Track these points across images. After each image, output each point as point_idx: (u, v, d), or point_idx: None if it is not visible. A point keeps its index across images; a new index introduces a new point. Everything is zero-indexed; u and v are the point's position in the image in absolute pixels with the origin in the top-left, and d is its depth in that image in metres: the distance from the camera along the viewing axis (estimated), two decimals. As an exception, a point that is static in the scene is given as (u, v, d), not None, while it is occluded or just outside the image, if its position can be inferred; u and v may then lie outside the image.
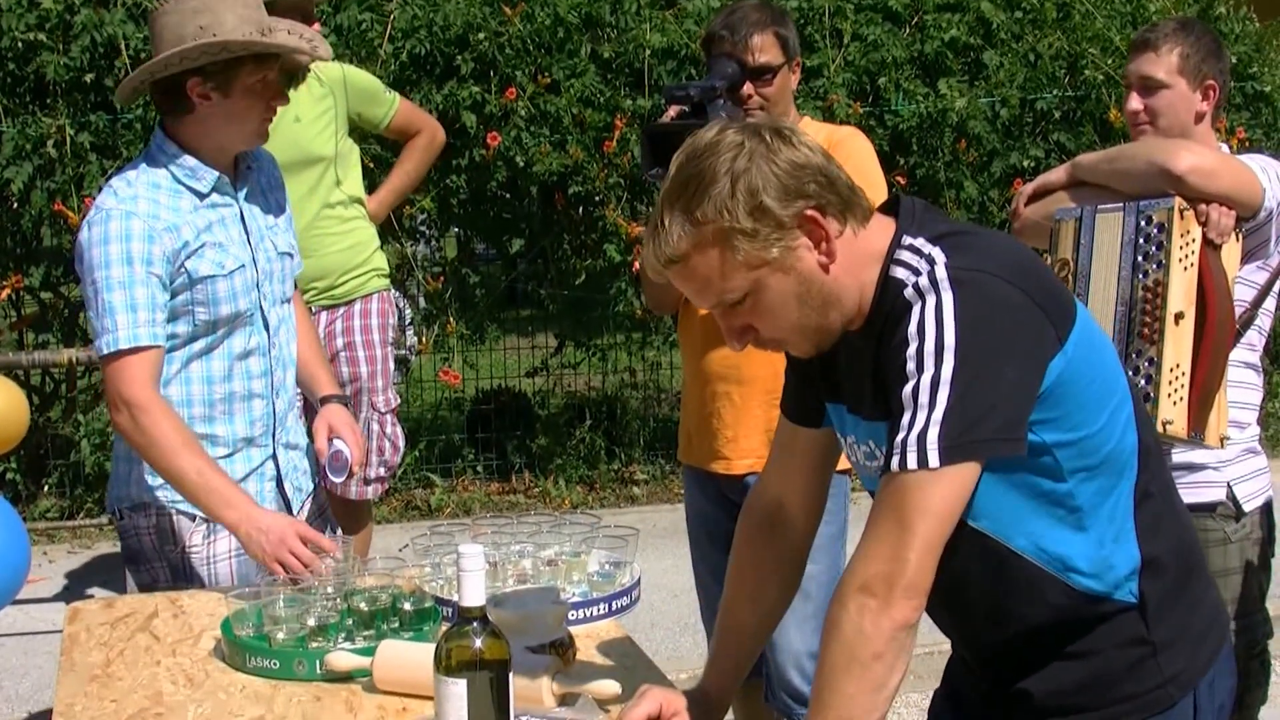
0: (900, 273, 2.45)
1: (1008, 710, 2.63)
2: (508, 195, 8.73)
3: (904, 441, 2.31)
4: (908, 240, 2.48)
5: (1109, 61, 8.74)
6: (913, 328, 2.36)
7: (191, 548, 3.82)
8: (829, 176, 2.45)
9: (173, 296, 3.67)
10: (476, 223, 8.86)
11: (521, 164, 8.14)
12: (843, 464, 4.22)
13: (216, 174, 3.74)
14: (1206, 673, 2.61)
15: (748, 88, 4.13)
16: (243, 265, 3.76)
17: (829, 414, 2.74)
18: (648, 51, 8.27)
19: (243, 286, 3.76)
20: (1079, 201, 3.91)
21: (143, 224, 3.61)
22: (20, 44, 7.62)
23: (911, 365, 2.33)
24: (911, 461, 2.30)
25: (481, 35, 8.07)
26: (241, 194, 3.83)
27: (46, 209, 7.73)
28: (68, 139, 7.65)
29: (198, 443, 3.66)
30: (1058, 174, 4.02)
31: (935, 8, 8.77)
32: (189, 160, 3.72)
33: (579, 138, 8.19)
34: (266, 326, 3.85)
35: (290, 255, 3.97)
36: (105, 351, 3.61)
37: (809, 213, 2.41)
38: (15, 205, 7.92)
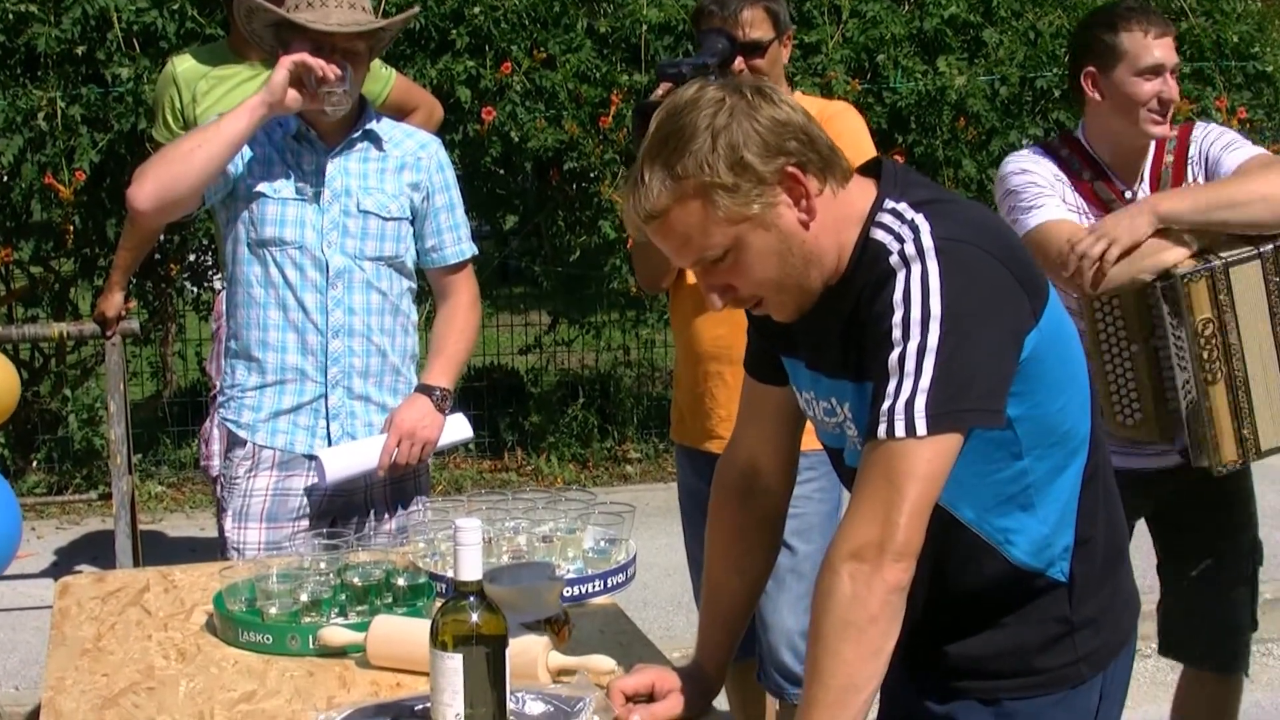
0: (881, 235, 2.46)
1: (920, 666, 2.68)
2: (502, 171, 8.70)
3: (891, 410, 2.32)
4: (889, 204, 2.49)
5: (1109, 40, 8.68)
6: (897, 295, 2.37)
7: (235, 478, 4.10)
8: (809, 135, 2.45)
9: (241, 203, 4.04)
10: (470, 199, 8.72)
11: (516, 139, 8.08)
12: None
13: (300, 123, 4.06)
14: (1118, 655, 2.68)
15: (739, 63, 4.10)
16: (300, 199, 4.03)
17: (786, 366, 2.75)
18: (644, 26, 8.22)
19: (294, 218, 4.02)
20: (1167, 250, 3.84)
21: None
22: (11, 15, 7.56)
23: (897, 333, 2.35)
24: (899, 429, 2.31)
25: (477, 9, 8.02)
26: (338, 150, 4.07)
27: (37, 182, 7.67)
28: (59, 111, 7.60)
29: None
30: (1139, 227, 3.86)
31: (934, -16, 8.73)
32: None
33: (574, 113, 8.13)
34: (326, 268, 4.02)
35: (380, 217, 4.08)
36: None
37: (789, 169, 2.42)
38: (5, 178, 7.87)
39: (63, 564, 7.54)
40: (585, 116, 8.16)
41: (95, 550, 7.64)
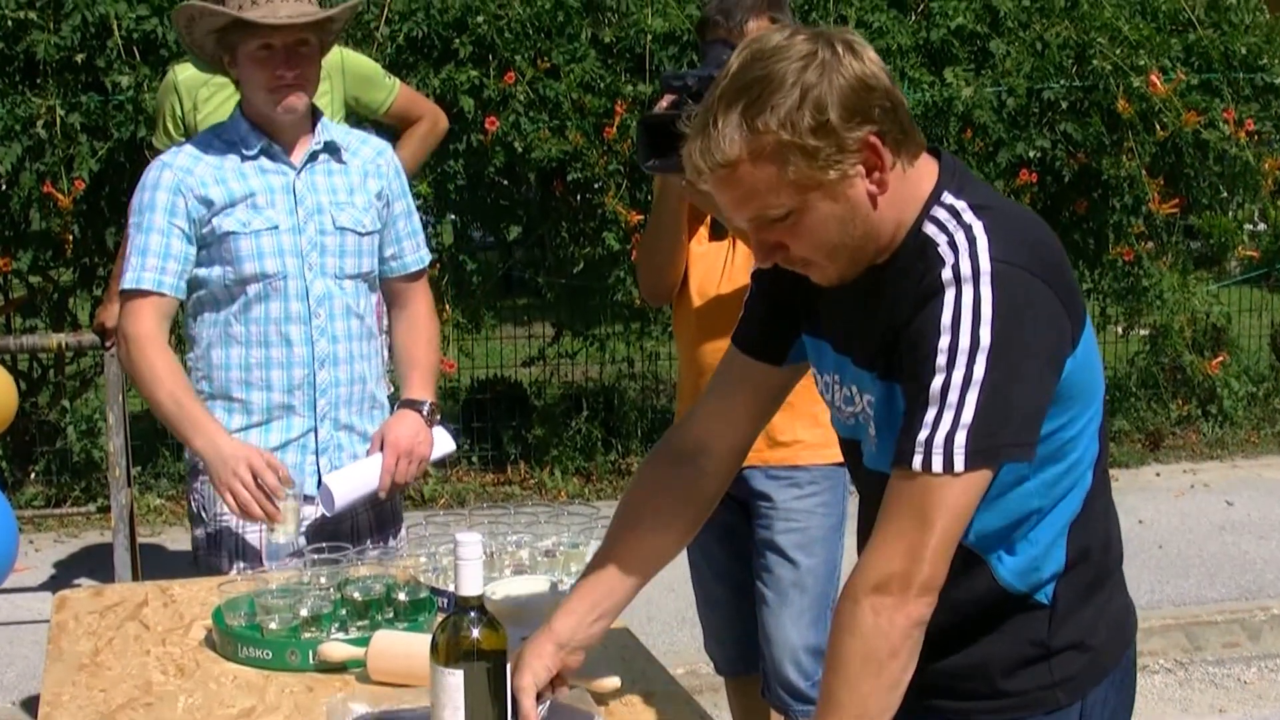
0: (932, 230, 2.38)
1: None
2: (505, 181, 8.65)
3: (929, 441, 2.26)
4: (948, 198, 2.41)
5: (1117, 51, 8.67)
6: (946, 318, 2.29)
7: (223, 515, 3.88)
8: (893, 101, 2.36)
9: (203, 250, 3.84)
10: (473, 209, 8.79)
11: (520, 149, 8.06)
12: (841, 456, 4.16)
13: (262, 140, 3.87)
14: (1100, 683, 2.59)
15: (742, 74, 4.04)
16: (274, 228, 3.84)
17: (806, 347, 2.67)
18: (649, 36, 8.21)
19: (272, 248, 3.84)
20: None
21: (173, 176, 3.83)
22: (10, 22, 7.53)
23: (942, 359, 2.27)
24: (937, 464, 2.26)
25: (480, 18, 7.99)
26: (303, 164, 3.89)
27: (35, 190, 7.65)
28: (58, 119, 7.57)
29: (182, 375, 3.82)
30: None
31: (942, -6, 8.70)
32: (242, 125, 3.90)
33: (578, 123, 8.11)
34: (308, 295, 3.87)
35: (356, 233, 3.95)
36: (120, 289, 3.87)
37: (871, 138, 2.32)
38: (4, 187, 7.85)
39: (61, 577, 7.50)
40: (589, 127, 8.13)
41: (93, 563, 7.61)
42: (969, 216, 2.37)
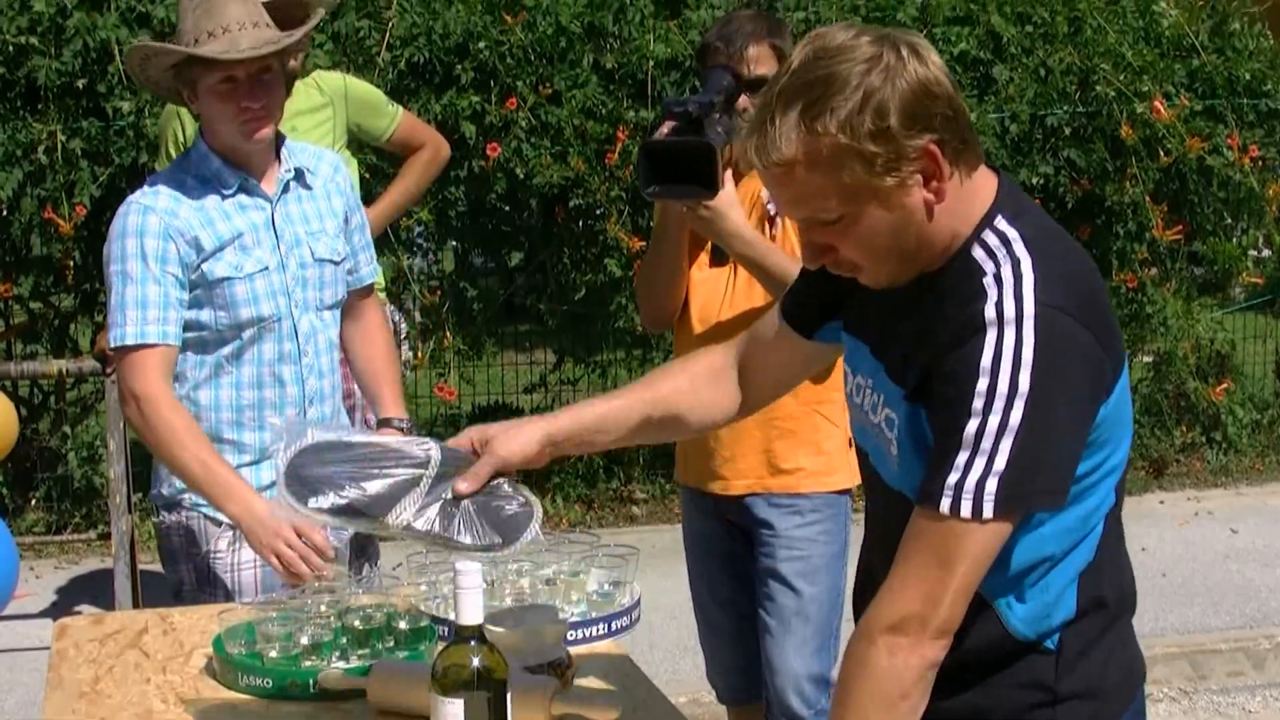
0: (981, 256, 2.35)
1: None
2: (507, 207, 8.65)
3: (959, 486, 2.23)
4: (1001, 223, 2.37)
5: (1121, 77, 8.69)
6: (986, 359, 2.25)
7: (216, 553, 3.83)
8: (955, 110, 2.31)
9: (192, 290, 3.71)
10: (475, 235, 8.80)
11: (521, 175, 8.06)
12: (843, 484, 4.13)
13: (240, 176, 3.76)
14: None
15: (743, 100, 4.03)
16: (265, 269, 3.75)
17: (845, 345, 2.65)
18: (651, 62, 8.20)
19: (265, 290, 3.76)
20: None
21: (159, 220, 3.68)
22: (11, 47, 7.55)
23: (978, 403, 2.23)
24: (965, 510, 2.23)
25: (482, 44, 8.00)
26: (278, 196, 3.81)
27: (36, 216, 7.66)
28: (59, 145, 7.57)
29: (203, 435, 3.69)
30: None
31: (945, 21, 8.70)
32: (214, 162, 3.76)
33: (580, 149, 8.11)
34: (296, 334, 3.82)
35: (333, 262, 3.90)
36: (114, 345, 3.69)
37: (930, 147, 2.27)
38: (4, 212, 7.85)
39: (62, 604, 7.48)
40: (591, 153, 8.14)
41: (95, 590, 7.58)
42: (1019, 248, 2.33)
